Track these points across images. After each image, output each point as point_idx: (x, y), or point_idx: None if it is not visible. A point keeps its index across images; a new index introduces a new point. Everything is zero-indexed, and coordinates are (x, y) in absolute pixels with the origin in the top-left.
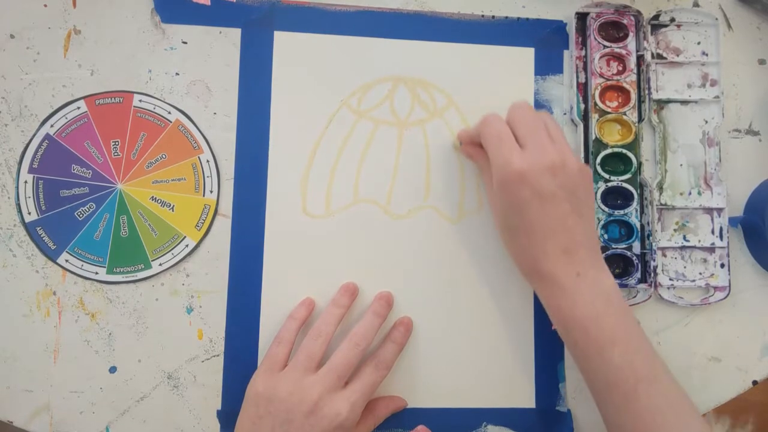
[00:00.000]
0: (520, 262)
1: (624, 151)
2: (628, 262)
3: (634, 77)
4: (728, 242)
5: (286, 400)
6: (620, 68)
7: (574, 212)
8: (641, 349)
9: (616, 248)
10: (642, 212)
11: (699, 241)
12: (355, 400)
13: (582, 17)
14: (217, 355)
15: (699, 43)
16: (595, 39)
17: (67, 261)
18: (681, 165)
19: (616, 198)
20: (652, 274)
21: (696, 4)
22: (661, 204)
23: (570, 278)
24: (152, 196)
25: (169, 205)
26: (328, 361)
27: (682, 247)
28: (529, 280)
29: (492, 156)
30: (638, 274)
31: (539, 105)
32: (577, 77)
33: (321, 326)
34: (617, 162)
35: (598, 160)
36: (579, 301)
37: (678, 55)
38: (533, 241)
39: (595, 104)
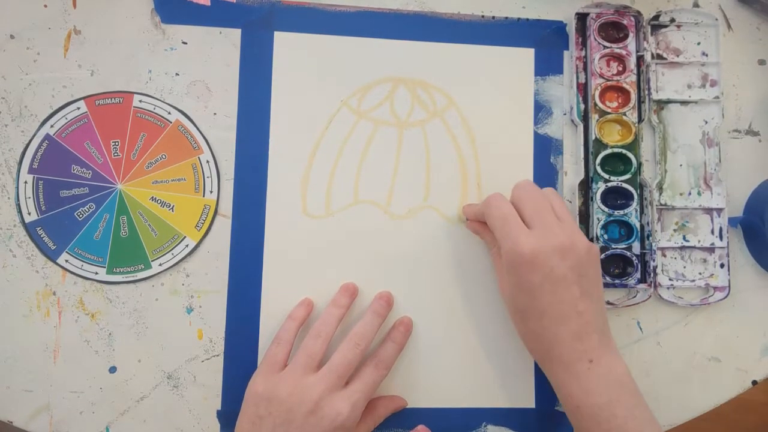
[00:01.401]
0: (531, 345)
1: (624, 151)
2: (628, 262)
3: (633, 77)
4: (728, 242)
5: (286, 401)
6: (620, 68)
7: (584, 295)
8: None
9: (616, 248)
10: (642, 212)
11: (699, 241)
12: (356, 399)
13: (582, 17)
14: (217, 355)
15: (699, 44)
16: (595, 39)
17: (67, 261)
18: (681, 165)
19: (616, 198)
20: (652, 274)
21: (696, 5)
22: (661, 204)
23: (582, 365)
24: (152, 197)
25: (169, 206)
26: (329, 361)
27: (682, 247)
28: (540, 363)
29: (499, 238)
30: (638, 274)
31: (539, 105)
32: (577, 77)
33: (321, 326)
34: (617, 162)
35: (598, 160)
36: (591, 390)
37: (678, 56)
38: (544, 326)
39: (595, 104)
